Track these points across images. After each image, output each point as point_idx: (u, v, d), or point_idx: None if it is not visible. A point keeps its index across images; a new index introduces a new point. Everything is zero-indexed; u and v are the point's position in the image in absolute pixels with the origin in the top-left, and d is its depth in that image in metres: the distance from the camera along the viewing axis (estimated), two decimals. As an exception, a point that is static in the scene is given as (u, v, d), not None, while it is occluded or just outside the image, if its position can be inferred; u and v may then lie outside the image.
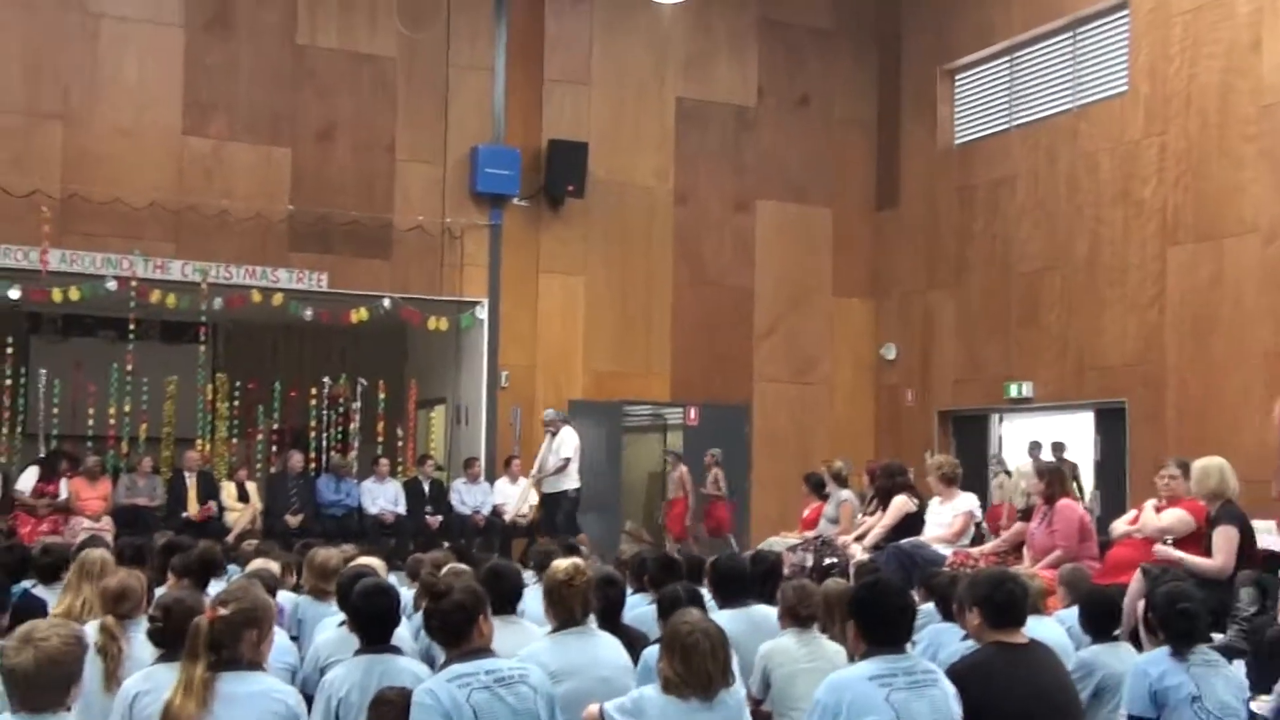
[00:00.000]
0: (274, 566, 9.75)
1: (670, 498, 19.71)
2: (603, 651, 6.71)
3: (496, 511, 19.53)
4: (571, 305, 21.27)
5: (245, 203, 19.03)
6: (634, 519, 22.18)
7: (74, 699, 4.74)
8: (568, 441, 18.30)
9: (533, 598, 7.26)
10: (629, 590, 8.71)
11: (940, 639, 8.14)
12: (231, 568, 10.48)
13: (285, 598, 9.13)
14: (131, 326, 18.98)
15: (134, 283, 18.16)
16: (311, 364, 22.59)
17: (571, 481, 18.39)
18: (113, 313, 20.14)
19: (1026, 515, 12.72)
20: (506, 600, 7.05)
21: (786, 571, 11.07)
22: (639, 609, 8.58)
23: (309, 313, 19.19)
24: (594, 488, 20.30)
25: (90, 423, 19.46)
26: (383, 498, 19.06)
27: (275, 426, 21.01)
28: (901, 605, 5.96)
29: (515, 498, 18.79)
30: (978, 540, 13.52)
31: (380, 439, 20.22)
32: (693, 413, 21.93)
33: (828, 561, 13.23)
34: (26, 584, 8.96)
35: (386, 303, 19.44)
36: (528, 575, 8.15)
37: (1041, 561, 11.87)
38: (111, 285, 18.13)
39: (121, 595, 6.96)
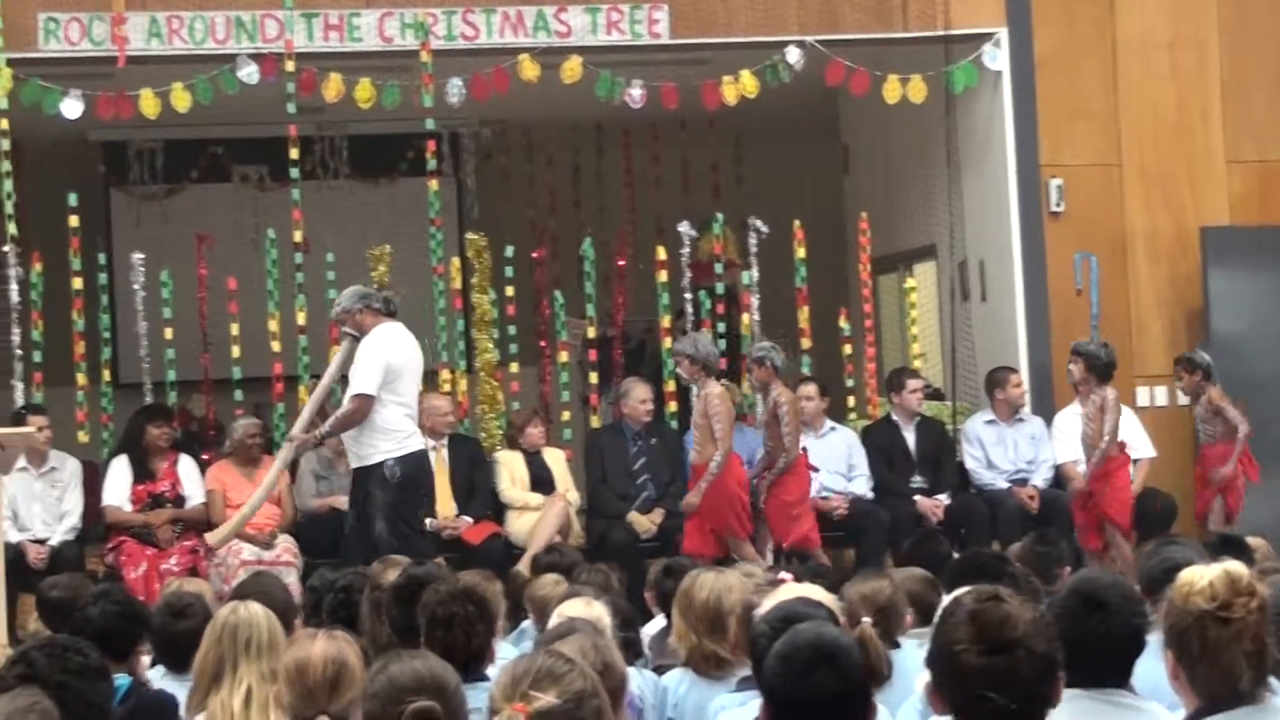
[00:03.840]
0: (596, 610, 7.29)
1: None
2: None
3: (1062, 474, 13.79)
4: (1195, 21, 15.83)
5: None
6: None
7: None
8: (372, 354, 12.19)
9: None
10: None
11: None
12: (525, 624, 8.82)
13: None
14: (295, 155, 14.18)
15: (289, 64, 13.72)
16: (650, 200, 18.63)
17: (389, 443, 12.12)
18: (256, 129, 16.28)
19: None
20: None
21: None
22: None
23: (636, 92, 14.58)
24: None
25: (235, 352, 14.31)
26: (825, 463, 13.73)
27: (589, 334, 15.51)
28: None
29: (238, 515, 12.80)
30: None
31: (805, 339, 14.79)
32: None
33: None
34: (152, 671, 7.34)
35: (794, 55, 14.66)
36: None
37: None
38: (249, 73, 13.77)
39: (334, 682, 5.06)
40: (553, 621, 7.31)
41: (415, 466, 12.00)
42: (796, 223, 14.77)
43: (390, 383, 11.79)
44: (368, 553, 11.41)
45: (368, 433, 11.81)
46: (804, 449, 13.13)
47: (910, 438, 13.78)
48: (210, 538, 12.68)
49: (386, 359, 11.84)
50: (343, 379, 12.29)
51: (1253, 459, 13.14)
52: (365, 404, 11.76)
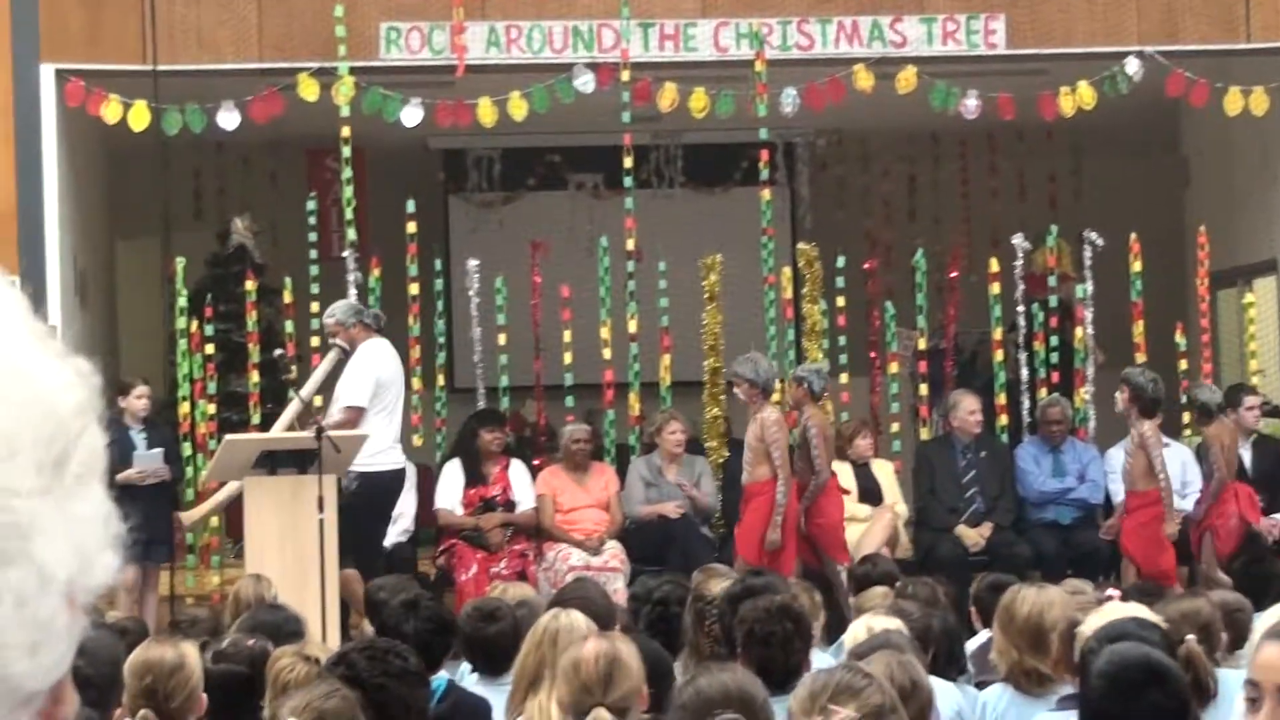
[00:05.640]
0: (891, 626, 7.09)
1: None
2: None
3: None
4: None
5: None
6: None
7: None
8: (364, 368, 12.06)
9: None
10: None
11: None
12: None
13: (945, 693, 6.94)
14: (629, 164, 14.25)
15: (624, 73, 13.85)
16: (985, 211, 18.15)
17: (363, 454, 11.66)
18: (592, 138, 16.45)
19: None
20: None
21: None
22: None
23: (972, 102, 14.43)
24: None
25: (567, 358, 14.23)
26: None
27: (920, 345, 15.07)
28: None
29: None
30: None
31: (1141, 354, 14.35)
32: None
33: None
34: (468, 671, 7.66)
35: (1133, 66, 14.38)
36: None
37: None
38: (585, 81, 13.89)
39: (607, 675, 5.12)
40: (849, 635, 7.13)
41: (382, 482, 11.92)
42: (1133, 236, 14.39)
43: (377, 396, 11.85)
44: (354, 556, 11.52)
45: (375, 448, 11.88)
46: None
47: (1247, 455, 13.12)
48: (184, 517, 12.49)
49: (377, 373, 11.91)
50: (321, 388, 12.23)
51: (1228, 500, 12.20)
52: (356, 416, 11.79)
